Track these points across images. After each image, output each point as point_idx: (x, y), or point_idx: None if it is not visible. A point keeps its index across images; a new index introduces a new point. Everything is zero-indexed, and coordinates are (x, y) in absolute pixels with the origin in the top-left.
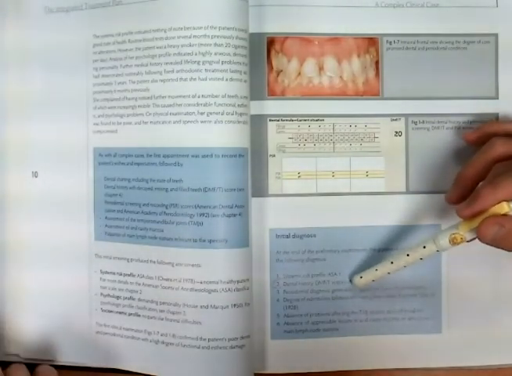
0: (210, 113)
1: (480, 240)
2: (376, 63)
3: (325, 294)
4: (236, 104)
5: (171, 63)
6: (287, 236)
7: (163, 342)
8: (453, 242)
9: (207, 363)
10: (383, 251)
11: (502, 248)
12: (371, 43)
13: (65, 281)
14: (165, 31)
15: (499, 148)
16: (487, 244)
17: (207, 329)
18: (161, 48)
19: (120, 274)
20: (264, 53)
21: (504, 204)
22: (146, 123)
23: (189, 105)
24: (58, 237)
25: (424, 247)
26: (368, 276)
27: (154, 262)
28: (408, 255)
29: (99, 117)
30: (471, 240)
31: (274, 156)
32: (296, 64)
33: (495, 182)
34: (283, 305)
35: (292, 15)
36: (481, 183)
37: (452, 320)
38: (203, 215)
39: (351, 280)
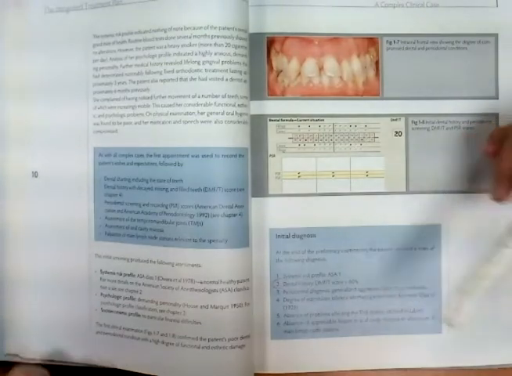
0: (210, 113)
1: None
2: (376, 63)
3: (325, 294)
4: (236, 104)
5: (171, 63)
6: (287, 236)
7: (163, 342)
8: None
9: (207, 363)
10: (383, 251)
11: None
12: (371, 43)
13: (65, 281)
14: (165, 31)
15: None
16: None
17: (207, 329)
18: (161, 48)
19: (120, 274)
20: (264, 53)
21: None
22: (145, 123)
23: (189, 105)
24: (58, 237)
25: (501, 254)
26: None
27: (154, 262)
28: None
29: (99, 116)
30: None
31: (274, 156)
32: (296, 64)
33: None
34: (283, 305)
35: (292, 15)
36: None
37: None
38: (203, 215)
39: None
